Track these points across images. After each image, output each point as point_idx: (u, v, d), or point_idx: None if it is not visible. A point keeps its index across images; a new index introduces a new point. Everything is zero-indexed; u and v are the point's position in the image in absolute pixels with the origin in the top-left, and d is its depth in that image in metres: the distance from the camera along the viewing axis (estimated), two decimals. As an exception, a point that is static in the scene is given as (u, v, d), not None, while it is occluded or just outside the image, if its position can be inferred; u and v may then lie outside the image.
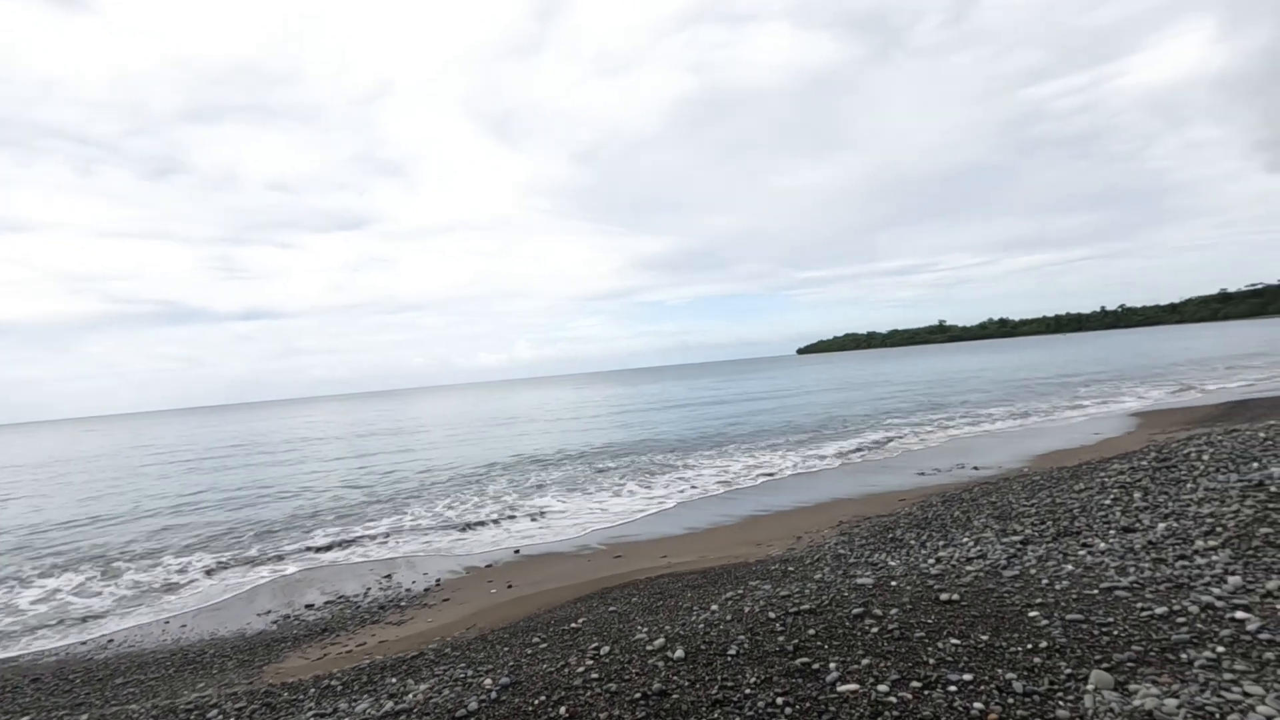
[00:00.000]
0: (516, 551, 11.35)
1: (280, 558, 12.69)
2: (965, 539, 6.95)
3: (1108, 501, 7.62)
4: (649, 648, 4.60)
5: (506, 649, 5.23)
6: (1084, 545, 6.27)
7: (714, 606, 5.37)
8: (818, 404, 36.32)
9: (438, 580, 9.90)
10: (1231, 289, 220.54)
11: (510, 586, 8.76)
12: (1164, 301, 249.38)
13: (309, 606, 9.31)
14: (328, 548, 13.09)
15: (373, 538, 13.56)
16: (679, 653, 4.48)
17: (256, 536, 14.66)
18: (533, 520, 13.69)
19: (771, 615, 4.92)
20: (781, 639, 4.56)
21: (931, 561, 6.19)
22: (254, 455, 33.99)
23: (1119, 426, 18.55)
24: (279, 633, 8.00)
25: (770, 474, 16.59)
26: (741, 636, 4.64)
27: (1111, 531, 6.58)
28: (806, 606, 5.02)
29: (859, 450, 19.22)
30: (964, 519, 7.98)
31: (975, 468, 14.39)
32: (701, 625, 4.93)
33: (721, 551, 9.00)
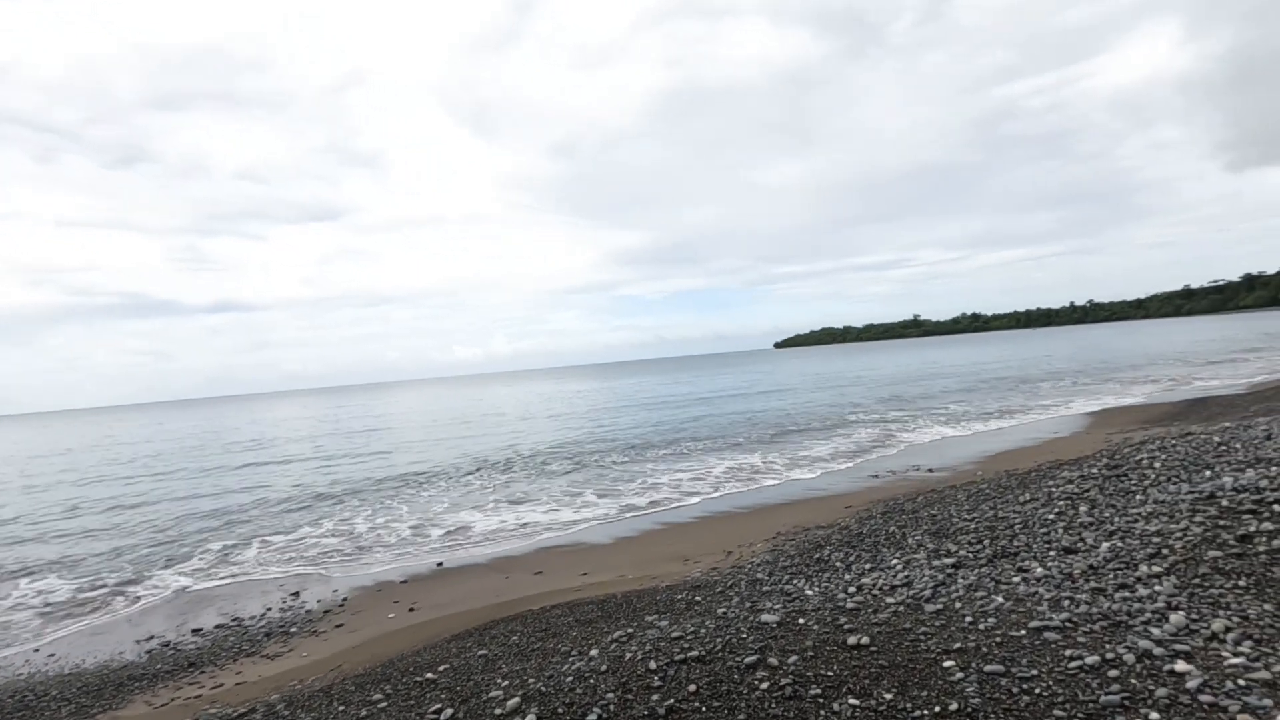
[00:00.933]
0: (440, 565, 10.59)
1: (192, 571, 11.78)
2: (895, 561, 6.33)
3: (1051, 516, 7.05)
4: (498, 711, 3.88)
5: (344, 708, 4.47)
6: (1020, 570, 5.67)
7: (594, 651, 4.66)
8: (788, 401, 35.89)
9: (344, 600, 9.10)
10: (1194, 285, 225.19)
11: (412, 610, 7.98)
12: (1130, 297, 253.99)
13: (196, 631, 8.45)
14: (245, 560, 12.19)
15: (298, 548, 12.69)
16: (530, 719, 3.77)
17: (175, 545, 13.68)
18: (467, 530, 12.90)
19: (652, 665, 4.23)
20: (655, 698, 3.87)
21: (852, 590, 5.54)
22: (208, 455, 32.68)
23: (1077, 425, 18.23)
24: (145, 667, 7.15)
25: (727, 477, 15.97)
26: (610, 695, 3.94)
27: (1051, 553, 6.00)
28: (695, 653, 4.33)
29: (819, 450, 18.69)
30: (899, 536, 7.36)
31: (930, 470, 13.90)
32: (570, 678, 4.22)
33: (644, 569, 8.32)
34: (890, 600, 5.17)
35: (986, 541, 6.53)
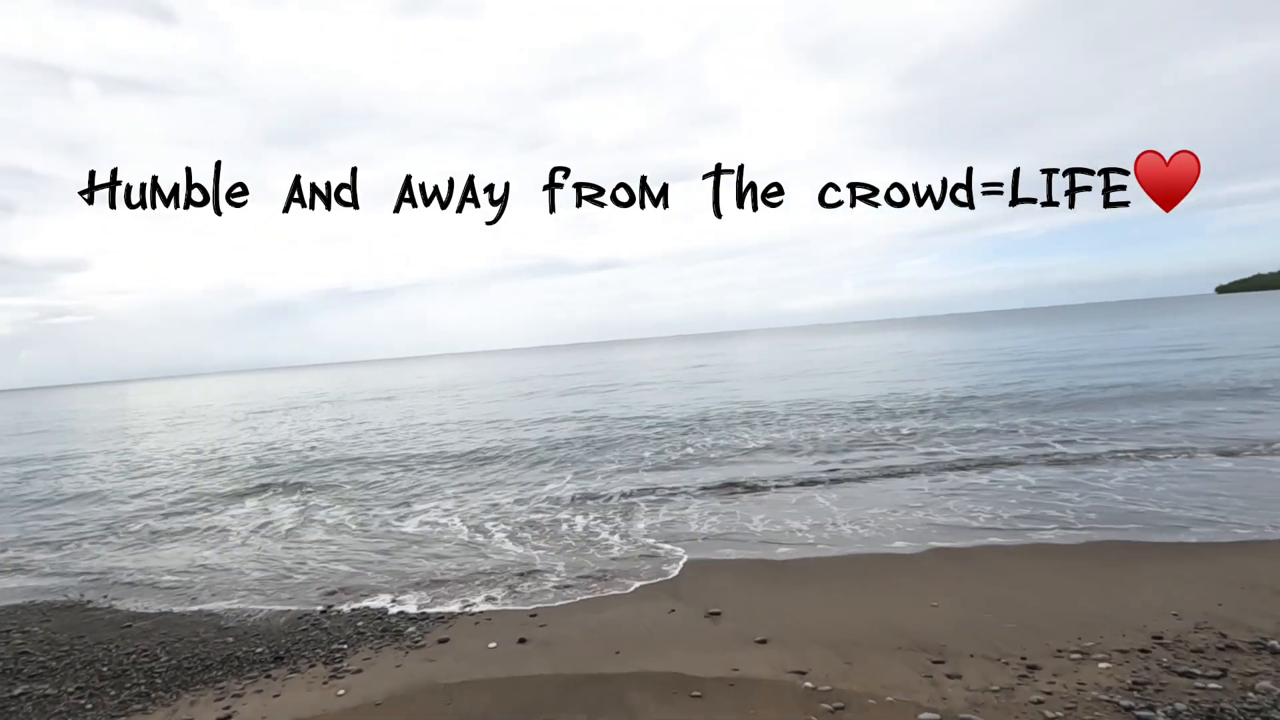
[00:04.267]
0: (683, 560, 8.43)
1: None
2: None
3: None
4: None
5: None
6: None
7: None
8: (1233, 371, 24.42)
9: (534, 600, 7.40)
10: None
11: (521, 642, 5.87)
12: None
13: (335, 610, 7.46)
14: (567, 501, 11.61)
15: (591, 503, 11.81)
16: None
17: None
18: (731, 516, 10.48)
19: None
20: None
21: None
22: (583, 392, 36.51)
23: None
24: (252, 641, 6.41)
25: (1096, 497, 10.57)
26: None
27: None
28: None
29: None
30: None
31: None
32: None
33: (853, 666, 4.74)
34: None
35: None
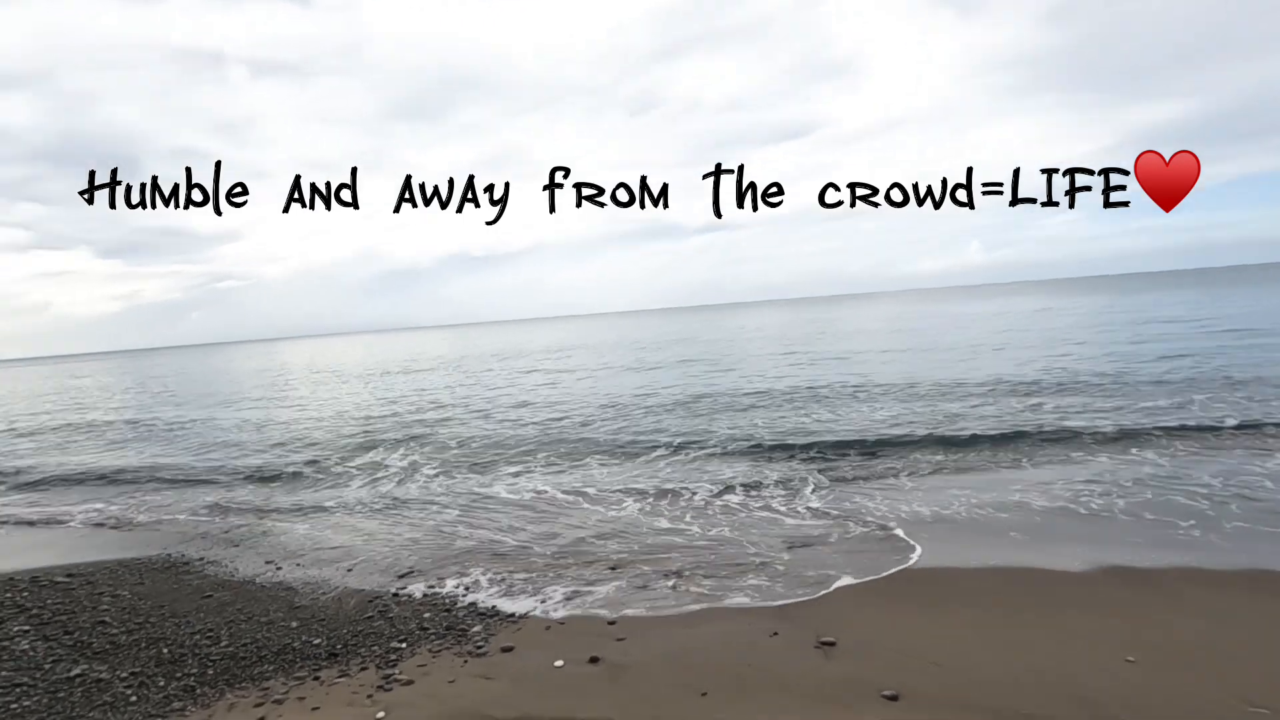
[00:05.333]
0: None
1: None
2: None
3: None
4: None
5: None
6: None
7: None
8: None
9: (617, 617, 6.71)
10: None
11: (593, 661, 5.01)
12: None
13: (406, 593, 7.02)
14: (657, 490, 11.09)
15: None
16: None
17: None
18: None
19: None
20: None
21: None
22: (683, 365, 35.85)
23: None
24: (314, 631, 5.97)
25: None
26: None
27: None
28: None
29: None
30: None
31: None
32: None
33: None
34: None
35: None
